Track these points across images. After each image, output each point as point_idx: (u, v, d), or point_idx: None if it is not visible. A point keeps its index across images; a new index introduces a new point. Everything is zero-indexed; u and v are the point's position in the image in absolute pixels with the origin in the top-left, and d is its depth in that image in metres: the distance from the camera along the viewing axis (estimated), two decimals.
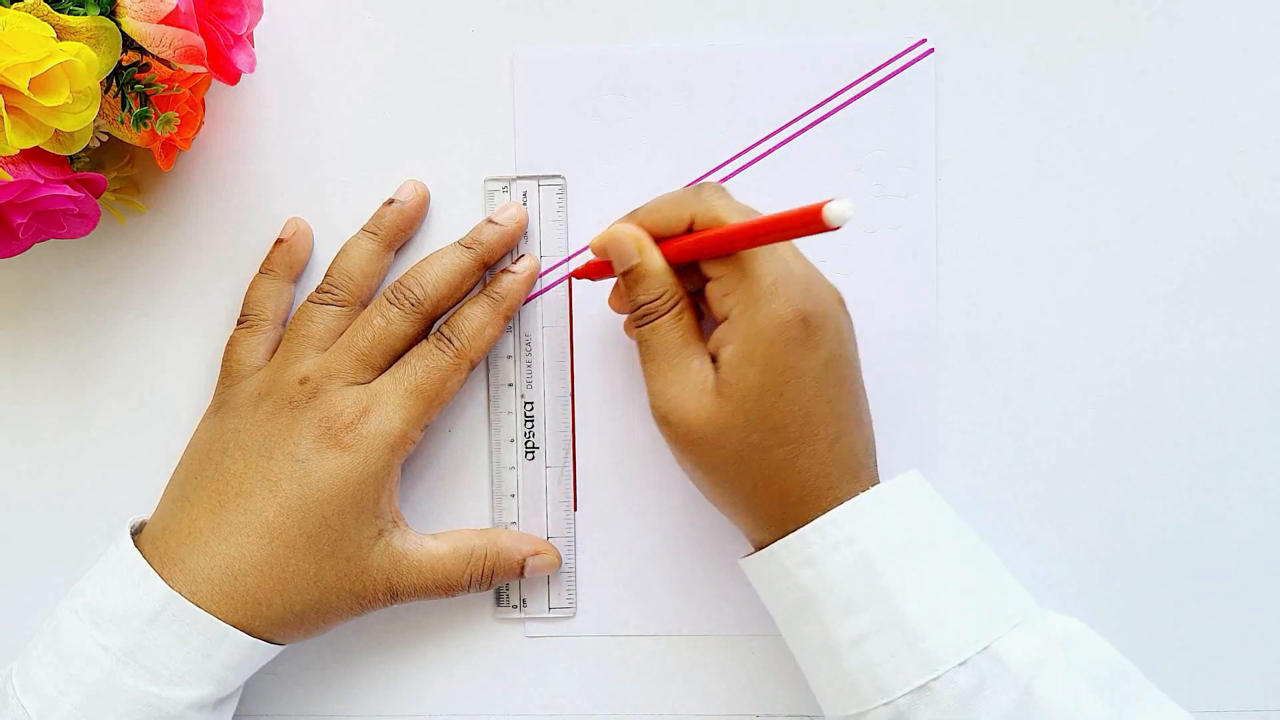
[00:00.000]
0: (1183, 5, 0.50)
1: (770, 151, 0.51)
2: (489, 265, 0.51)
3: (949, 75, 0.51)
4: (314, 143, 0.52)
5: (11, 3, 0.42)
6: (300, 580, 0.47)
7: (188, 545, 0.46)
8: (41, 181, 0.44)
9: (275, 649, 0.48)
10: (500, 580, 0.50)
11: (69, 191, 0.45)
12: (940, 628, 0.43)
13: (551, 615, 0.52)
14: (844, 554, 0.44)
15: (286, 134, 0.52)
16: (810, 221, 0.41)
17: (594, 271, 0.49)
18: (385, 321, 0.49)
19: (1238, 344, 0.51)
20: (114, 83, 0.45)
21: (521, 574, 0.50)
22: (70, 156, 0.46)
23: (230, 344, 0.51)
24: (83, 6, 0.43)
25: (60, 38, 0.42)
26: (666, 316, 0.46)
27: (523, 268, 0.51)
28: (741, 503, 0.46)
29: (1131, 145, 0.51)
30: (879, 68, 0.51)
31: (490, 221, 0.51)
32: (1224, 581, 0.51)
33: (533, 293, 0.52)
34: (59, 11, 0.43)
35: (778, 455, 0.44)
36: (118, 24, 0.43)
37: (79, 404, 0.53)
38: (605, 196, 0.51)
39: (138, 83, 0.45)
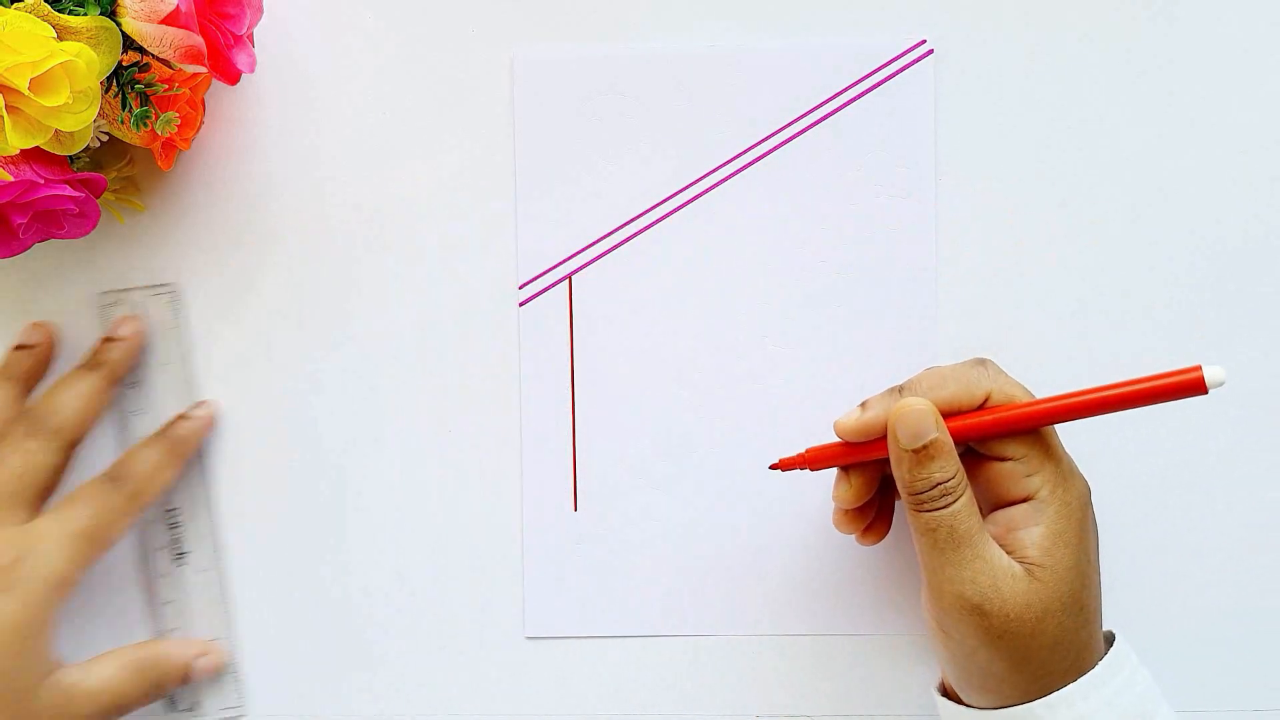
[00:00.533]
0: (1183, 5, 0.50)
1: (770, 152, 0.51)
2: (120, 381, 0.51)
3: (948, 75, 0.51)
4: (314, 143, 0.52)
5: (11, 3, 0.42)
6: None
7: None
8: (41, 181, 0.44)
9: None
10: (170, 688, 0.50)
11: (69, 191, 0.45)
12: None
13: (220, 716, 0.51)
14: None
15: (286, 134, 0.52)
16: (1183, 387, 0.41)
17: (822, 459, 0.46)
18: (25, 455, 0.48)
19: (1238, 344, 0.51)
20: (114, 83, 0.45)
21: (189, 679, 0.50)
22: (70, 156, 0.46)
23: None
24: (83, 6, 0.43)
25: (60, 38, 0.42)
26: (964, 497, 0.43)
27: (201, 414, 0.51)
28: (1008, 681, 0.43)
29: (1131, 145, 0.51)
30: (879, 69, 0.51)
31: (109, 339, 0.50)
32: (1224, 581, 0.51)
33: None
34: (59, 11, 0.43)
35: (1080, 636, 0.43)
36: (118, 24, 0.43)
37: None
38: (605, 197, 0.51)
39: (138, 83, 0.45)
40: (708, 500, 0.51)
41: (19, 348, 0.50)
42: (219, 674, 0.51)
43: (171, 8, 0.43)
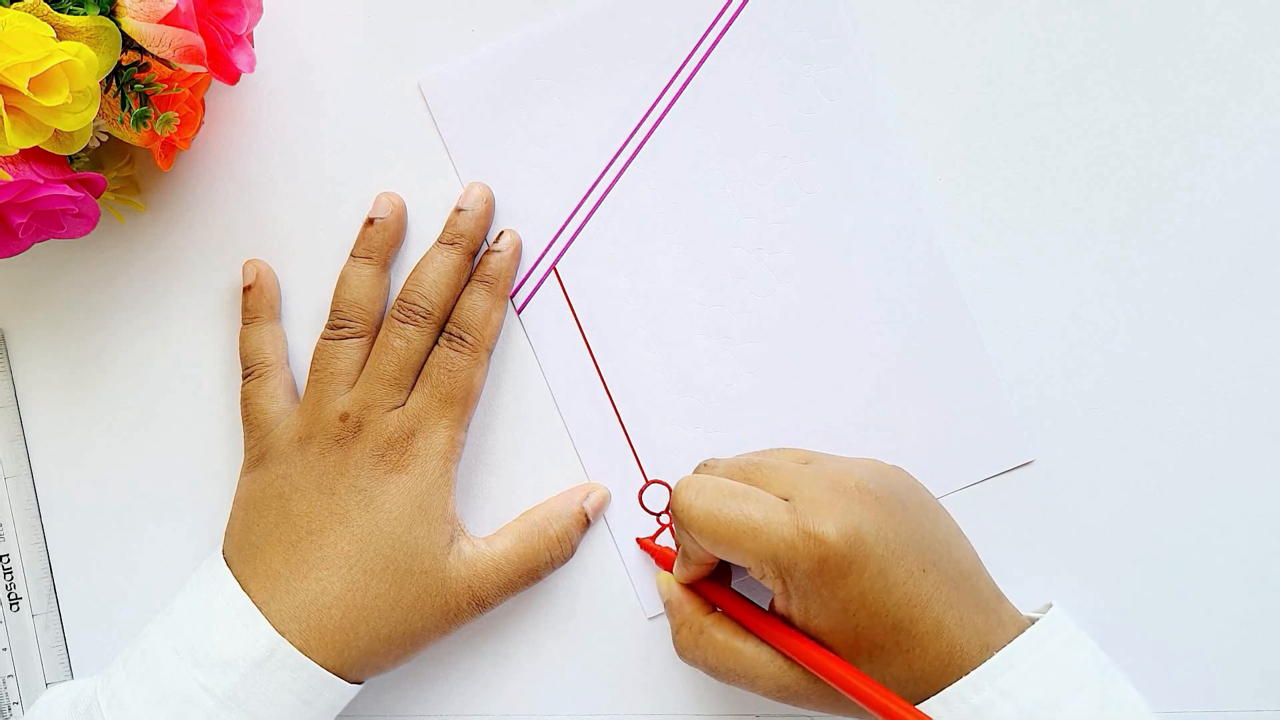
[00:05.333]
0: (1183, 5, 0.50)
1: (695, 74, 0.51)
2: (475, 254, 0.51)
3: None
4: (314, 143, 0.52)
5: (11, 3, 0.42)
6: (383, 604, 0.47)
7: (269, 589, 0.47)
8: (41, 181, 0.44)
9: (356, 689, 0.48)
10: (577, 537, 0.51)
11: (69, 191, 0.45)
12: None
13: None
14: None
15: (286, 134, 0.52)
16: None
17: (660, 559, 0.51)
18: (405, 341, 0.49)
19: (1237, 344, 0.51)
20: (114, 83, 0.45)
21: (589, 522, 0.51)
22: (70, 156, 0.46)
23: (245, 398, 0.51)
24: (83, 6, 0.43)
25: (60, 38, 0.42)
26: (707, 623, 0.47)
27: (505, 244, 0.51)
28: (896, 683, 0.44)
29: (1131, 144, 0.51)
30: None
31: (460, 210, 0.51)
32: (1223, 580, 0.51)
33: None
34: (59, 11, 0.43)
35: (893, 670, 0.43)
36: (117, 24, 0.43)
37: (78, 404, 0.53)
38: (556, 180, 0.51)
39: (138, 83, 0.45)
40: (755, 443, 0.51)
41: (370, 223, 0.51)
42: (608, 503, 0.51)
43: (171, 7, 0.43)
